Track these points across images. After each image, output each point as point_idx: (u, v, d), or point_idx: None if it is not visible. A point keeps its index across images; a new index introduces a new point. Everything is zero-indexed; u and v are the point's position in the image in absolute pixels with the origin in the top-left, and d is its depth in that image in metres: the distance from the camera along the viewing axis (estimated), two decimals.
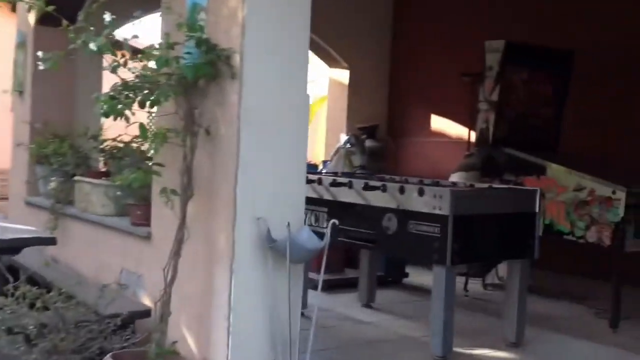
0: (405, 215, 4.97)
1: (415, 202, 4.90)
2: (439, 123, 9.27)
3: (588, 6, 7.52)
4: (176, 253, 4.00)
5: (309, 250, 3.90)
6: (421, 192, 4.87)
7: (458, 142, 8.83)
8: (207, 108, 4.00)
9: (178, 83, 3.89)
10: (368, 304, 6.54)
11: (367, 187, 5.25)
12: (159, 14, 4.64)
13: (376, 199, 5.20)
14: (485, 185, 5.80)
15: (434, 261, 4.77)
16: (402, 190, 5.03)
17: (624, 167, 6.78)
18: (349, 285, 7.01)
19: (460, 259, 4.80)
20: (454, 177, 7.54)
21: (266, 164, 3.98)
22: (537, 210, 5.22)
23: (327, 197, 5.59)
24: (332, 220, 3.83)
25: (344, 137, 9.26)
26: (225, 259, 3.97)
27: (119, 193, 5.58)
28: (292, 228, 3.83)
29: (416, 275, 7.76)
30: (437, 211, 4.74)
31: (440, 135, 9.21)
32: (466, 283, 7.14)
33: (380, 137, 9.24)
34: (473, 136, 8.29)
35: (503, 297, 7.05)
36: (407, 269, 7.75)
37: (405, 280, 7.77)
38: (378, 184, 5.23)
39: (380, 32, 9.85)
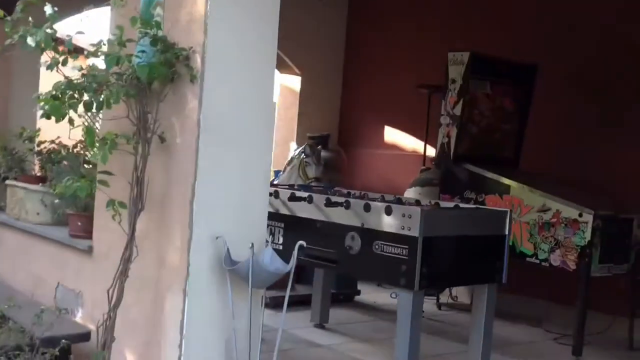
0: (370, 235, 4.64)
1: (382, 221, 4.58)
2: (392, 135, 8.98)
3: (548, 19, 7.34)
4: (123, 272, 3.59)
5: (272, 274, 3.53)
6: (389, 211, 4.55)
7: (412, 155, 8.56)
8: (162, 113, 3.59)
9: (130, 84, 3.49)
10: (321, 324, 6.20)
11: (329, 203, 4.90)
12: (107, 7, 4.22)
13: (338, 215, 4.86)
14: (451, 204, 5.51)
15: (401, 285, 4.45)
16: (367, 208, 4.70)
17: (588, 188, 6.59)
18: (300, 302, 6.65)
19: (428, 283, 4.49)
20: (410, 192, 7.28)
21: (227, 177, 3.60)
22: (507, 232, 4.95)
23: (283, 211, 5.22)
24: (300, 242, 3.47)
25: (294, 147, 8.90)
26: (178, 281, 3.57)
27: (56, 201, 5.10)
28: (255, 249, 3.46)
29: (368, 292, 7.46)
30: (405, 232, 4.42)
31: (394, 147, 8.93)
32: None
33: (332, 147, 8.92)
34: (429, 150, 8.06)
35: (459, 319, 6.89)
36: (359, 286, 7.44)
37: (357, 297, 7.45)
38: (341, 200, 4.89)
39: (333, 39, 9.54)
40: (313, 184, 7.02)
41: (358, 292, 7.47)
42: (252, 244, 3.40)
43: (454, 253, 4.72)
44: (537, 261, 5.95)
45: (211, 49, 3.44)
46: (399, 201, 5.25)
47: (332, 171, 8.07)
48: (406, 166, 8.46)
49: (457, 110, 6.49)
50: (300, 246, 3.46)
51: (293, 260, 3.48)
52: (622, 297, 6.30)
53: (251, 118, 3.65)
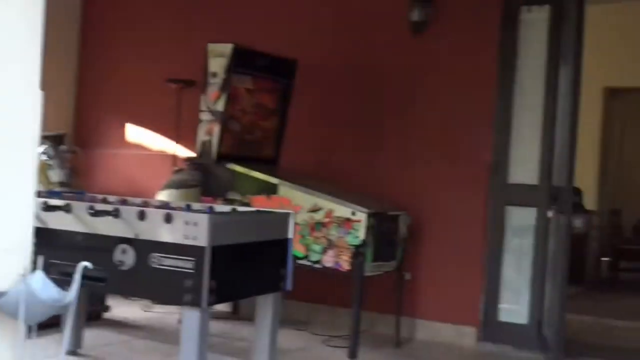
0: (145, 247, 4.03)
1: (161, 231, 4.00)
2: (138, 134, 8.27)
3: (310, 15, 7.18)
4: None
5: (49, 306, 2.83)
6: (168, 219, 3.98)
7: (160, 155, 7.95)
8: None
9: None
10: (74, 350, 5.40)
11: (94, 212, 4.20)
12: None
13: (106, 226, 4.18)
14: (227, 208, 5.04)
15: (186, 302, 3.91)
16: (141, 216, 4.09)
17: (350, 187, 6.49)
18: (47, 326, 5.75)
19: (217, 299, 4.00)
20: (163, 195, 6.68)
21: None
22: (290, 235, 4.62)
23: (35, 224, 4.40)
24: (83, 263, 2.82)
25: None
26: None
27: None
28: (25, 275, 2.75)
29: (117, 307, 6.75)
30: (190, 241, 3.89)
31: (140, 147, 8.23)
32: None
33: (69, 147, 8.00)
34: (180, 149, 7.54)
35: (220, 328, 6.43)
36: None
37: (106, 314, 6.70)
38: (109, 207, 4.22)
39: (66, 30, 8.57)
40: (59, 189, 6.16)
41: (107, 308, 6.73)
42: (28, 270, 2.69)
43: (241, 262, 4.27)
44: (309, 263, 5.70)
45: None
46: (168, 206, 4.69)
47: (75, 175, 7.21)
48: (154, 167, 7.85)
49: (220, 106, 6.02)
50: (86, 269, 2.80)
51: (76, 287, 2.82)
52: (386, 294, 6.29)
53: (10, 112, 2.91)
